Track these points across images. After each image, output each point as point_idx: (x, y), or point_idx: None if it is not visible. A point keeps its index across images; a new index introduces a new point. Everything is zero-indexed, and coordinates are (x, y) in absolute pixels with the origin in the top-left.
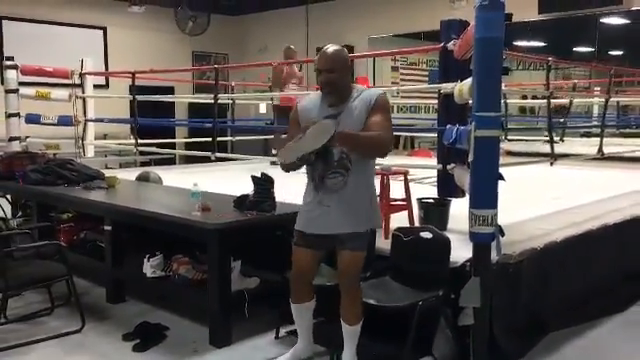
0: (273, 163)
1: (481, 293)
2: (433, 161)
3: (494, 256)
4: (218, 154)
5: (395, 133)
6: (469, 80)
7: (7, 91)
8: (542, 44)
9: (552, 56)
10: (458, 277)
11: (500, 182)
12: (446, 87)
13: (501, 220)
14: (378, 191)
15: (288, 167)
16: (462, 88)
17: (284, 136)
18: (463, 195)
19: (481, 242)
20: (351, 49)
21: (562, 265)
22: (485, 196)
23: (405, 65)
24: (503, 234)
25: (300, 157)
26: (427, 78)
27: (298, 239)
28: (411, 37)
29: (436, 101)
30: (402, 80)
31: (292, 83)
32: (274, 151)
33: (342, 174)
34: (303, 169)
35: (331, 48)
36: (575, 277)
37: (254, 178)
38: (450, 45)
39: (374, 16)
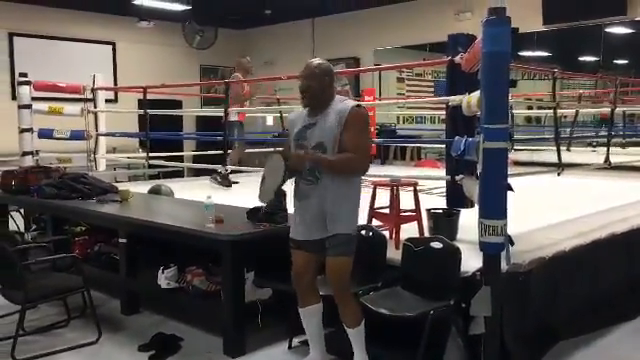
0: (223, 180)
1: (492, 302)
2: (440, 171)
3: (504, 265)
4: (228, 167)
5: (402, 144)
6: (477, 93)
7: (20, 107)
8: (547, 54)
9: (557, 66)
10: (469, 286)
11: (509, 192)
12: (454, 99)
13: (510, 230)
14: (387, 201)
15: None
16: (470, 100)
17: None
18: (472, 206)
19: (491, 252)
20: (357, 61)
21: (571, 274)
22: (494, 206)
23: (411, 76)
24: (512, 244)
25: (274, 194)
26: (432, 89)
27: (291, 242)
28: (417, 48)
29: (442, 112)
30: (408, 91)
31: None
32: (228, 165)
33: (311, 182)
34: None
35: (315, 60)
36: (584, 286)
37: None
38: (457, 58)
39: (380, 28)
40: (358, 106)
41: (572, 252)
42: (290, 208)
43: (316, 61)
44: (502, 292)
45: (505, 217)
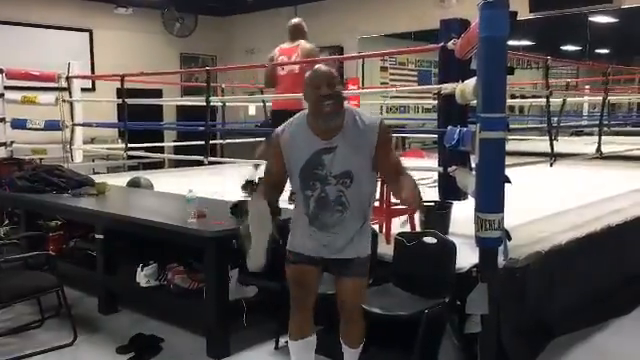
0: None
1: (489, 300)
2: (425, 161)
3: (501, 261)
4: (211, 158)
5: (394, 135)
6: (472, 80)
7: None
8: (531, 43)
9: (541, 54)
10: (464, 283)
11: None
12: (446, 88)
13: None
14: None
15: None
16: (464, 89)
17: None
18: (465, 198)
19: (488, 247)
20: (340, 50)
21: (567, 268)
22: (491, 200)
23: (394, 65)
24: (510, 238)
25: (266, 253)
26: (416, 78)
27: (295, 257)
28: (401, 37)
29: (427, 101)
30: (391, 80)
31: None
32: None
33: (340, 211)
34: None
35: (321, 66)
36: (579, 280)
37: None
38: (450, 44)
39: (364, 16)
40: (382, 120)
41: (568, 245)
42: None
43: (323, 67)
44: (499, 289)
45: (502, 211)
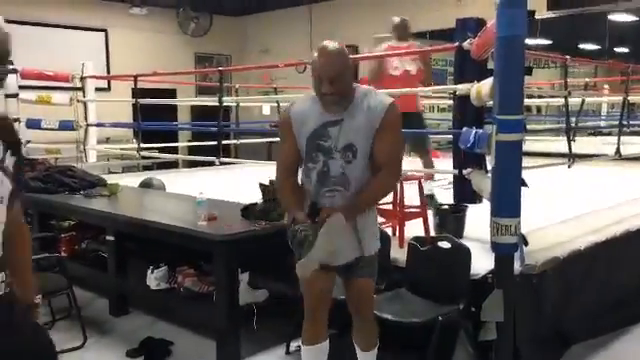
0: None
1: (504, 307)
2: (440, 161)
3: (517, 267)
4: (223, 159)
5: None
6: (488, 81)
7: (7, 96)
8: (548, 42)
9: (558, 53)
10: (479, 289)
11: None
12: (462, 88)
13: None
14: (389, 196)
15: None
16: (480, 89)
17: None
18: (480, 201)
19: (504, 253)
20: (355, 49)
21: (586, 274)
22: (508, 204)
23: None
24: (527, 243)
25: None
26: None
27: None
28: (416, 36)
29: (442, 101)
30: None
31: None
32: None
33: (340, 191)
34: None
35: (331, 47)
36: (599, 285)
37: (262, 186)
38: (466, 44)
39: (379, 15)
40: (394, 102)
41: (587, 251)
42: None
43: (333, 49)
44: (515, 296)
45: (519, 215)
